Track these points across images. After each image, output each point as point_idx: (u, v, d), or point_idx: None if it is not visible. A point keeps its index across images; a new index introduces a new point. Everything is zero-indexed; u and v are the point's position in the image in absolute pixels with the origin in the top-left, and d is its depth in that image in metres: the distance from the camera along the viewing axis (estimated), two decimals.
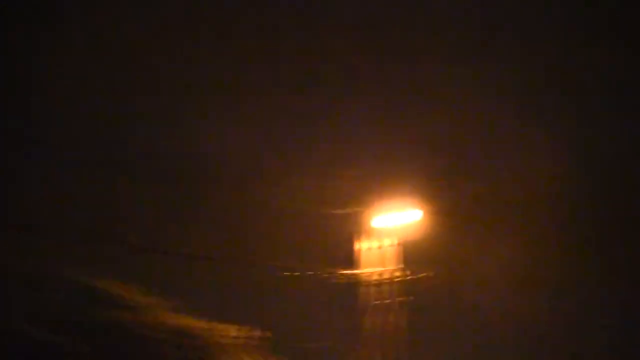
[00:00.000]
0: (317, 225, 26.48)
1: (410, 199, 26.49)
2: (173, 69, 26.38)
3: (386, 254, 26.66)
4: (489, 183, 26.22)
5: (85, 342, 24.42)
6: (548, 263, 25.83)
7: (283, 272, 26.08)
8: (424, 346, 25.80)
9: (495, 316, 26.06)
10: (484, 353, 26.31)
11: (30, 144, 23.91)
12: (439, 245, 25.77)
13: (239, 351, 26.40)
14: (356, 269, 26.83)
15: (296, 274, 25.91)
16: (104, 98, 26.07)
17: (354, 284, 26.72)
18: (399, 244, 26.37)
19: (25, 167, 24.10)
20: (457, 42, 27.74)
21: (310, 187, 26.64)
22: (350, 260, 26.81)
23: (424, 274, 25.92)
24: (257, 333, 25.80)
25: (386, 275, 26.55)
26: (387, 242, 26.67)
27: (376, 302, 26.68)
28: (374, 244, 26.92)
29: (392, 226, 26.75)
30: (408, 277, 26.41)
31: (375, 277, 26.69)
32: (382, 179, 26.85)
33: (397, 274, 26.31)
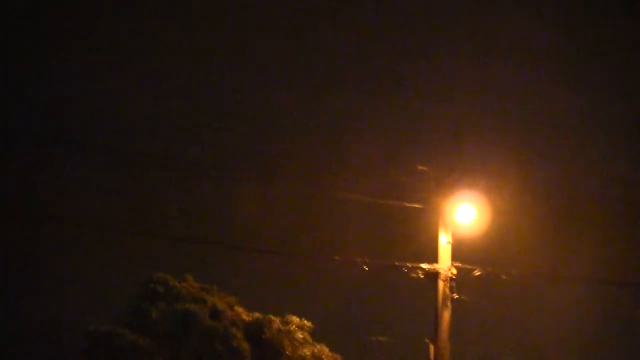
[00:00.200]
0: (396, 219, 26.77)
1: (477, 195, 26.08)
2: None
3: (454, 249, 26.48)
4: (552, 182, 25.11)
5: (149, 335, 26.69)
6: (610, 262, 24.35)
7: (363, 266, 26.65)
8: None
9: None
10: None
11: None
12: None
13: (306, 344, 27.48)
14: (436, 263, 26.80)
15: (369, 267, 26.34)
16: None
17: (433, 278, 26.69)
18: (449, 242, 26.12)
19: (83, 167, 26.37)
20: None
21: (387, 181, 26.91)
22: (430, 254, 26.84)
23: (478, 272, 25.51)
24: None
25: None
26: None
27: (454, 297, 26.57)
28: (450, 238, 26.75)
29: (467, 221, 26.47)
30: (477, 274, 26.09)
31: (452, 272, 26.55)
32: (457, 175, 26.55)
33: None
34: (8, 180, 28.00)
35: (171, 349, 26.85)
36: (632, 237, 24.63)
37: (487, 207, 26.09)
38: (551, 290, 26.25)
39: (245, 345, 26.79)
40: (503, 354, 26.17)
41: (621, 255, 25.16)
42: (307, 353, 26.94)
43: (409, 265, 26.60)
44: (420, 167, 26.67)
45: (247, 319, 27.12)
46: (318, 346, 27.26)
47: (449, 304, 26.49)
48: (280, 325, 27.15)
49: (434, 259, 26.71)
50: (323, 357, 27.05)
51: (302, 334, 27.25)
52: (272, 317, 27.21)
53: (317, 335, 27.48)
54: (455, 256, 26.58)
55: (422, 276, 26.66)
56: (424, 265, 26.64)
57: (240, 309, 27.14)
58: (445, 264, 26.66)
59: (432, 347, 26.22)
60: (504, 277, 26.04)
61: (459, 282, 26.09)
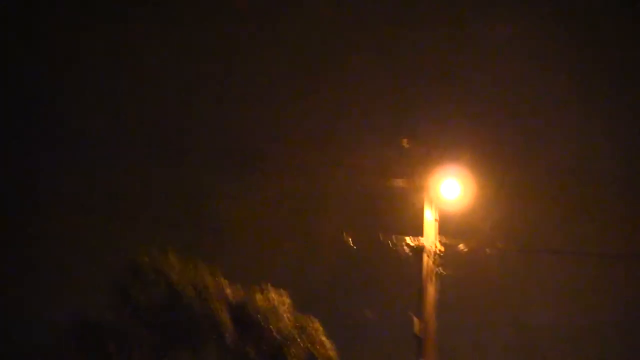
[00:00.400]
0: (383, 196, 26.78)
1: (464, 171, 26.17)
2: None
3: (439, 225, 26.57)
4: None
5: (134, 313, 26.58)
6: (592, 238, 24.46)
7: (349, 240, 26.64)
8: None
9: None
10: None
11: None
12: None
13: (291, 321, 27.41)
14: (422, 237, 26.84)
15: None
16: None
17: (419, 253, 26.74)
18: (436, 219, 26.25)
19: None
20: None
21: (375, 159, 26.92)
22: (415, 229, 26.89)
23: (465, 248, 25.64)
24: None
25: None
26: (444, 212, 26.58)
27: (440, 272, 26.63)
28: (436, 213, 26.82)
29: (452, 197, 26.55)
30: (462, 249, 26.20)
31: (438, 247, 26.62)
32: (443, 151, 26.60)
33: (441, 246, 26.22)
34: None
35: (155, 325, 26.77)
36: (616, 211, 24.73)
37: (472, 182, 26.19)
38: (536, 264, 26.33)
39: (229, 321, 26.72)
40: (488, 328, 26.26)
41: (605, 229, 25.27)
42: (291, 327, 26.97)
43: (394, 239, 26.66)
44: (405, 143, 26.71)
45: (231, 293, 27.01)
46: (305, 318, 27.23)
47: (434, 278, 26.58)
48: (264, 300, 27.09)
49: (419, 234, 26.79)
50: (309, 329, 27.07)
51: (286, 307, 27.20)
52: (256, 291, 27.13)
53: (301, 311, 27.44)
54: (440, 231, 26.67)
55: (407, 250, 26.73)
56: (409, 240, 26.73)
57: (224, 283, 27.00)
58: (430, 239, 26.73)
59: (416, 321, 26.29)
60: (488, 251, 26.14)
61: (444, 257, 26.17)
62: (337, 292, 27.50)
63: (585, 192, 25.50)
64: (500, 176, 25.66)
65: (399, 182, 26.79)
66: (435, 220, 26.82)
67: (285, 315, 26.85)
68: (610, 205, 25.16)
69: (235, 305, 26.84)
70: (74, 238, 26.73)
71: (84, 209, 26.14)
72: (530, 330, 26.46)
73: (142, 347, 26.32)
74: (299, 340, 26.39)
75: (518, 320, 26.31)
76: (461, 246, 26.45)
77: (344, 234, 26.29)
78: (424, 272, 26.58)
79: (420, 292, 26.42)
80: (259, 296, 26.83)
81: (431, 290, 26.52)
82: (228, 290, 26.79)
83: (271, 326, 26.69)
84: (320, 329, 26.98)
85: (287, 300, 27.02)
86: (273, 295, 26.97)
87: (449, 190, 26.71)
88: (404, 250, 26.68)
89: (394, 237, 26.56)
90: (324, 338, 26.88)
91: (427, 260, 26.62)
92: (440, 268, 26.23)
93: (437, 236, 26.54)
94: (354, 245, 26.44)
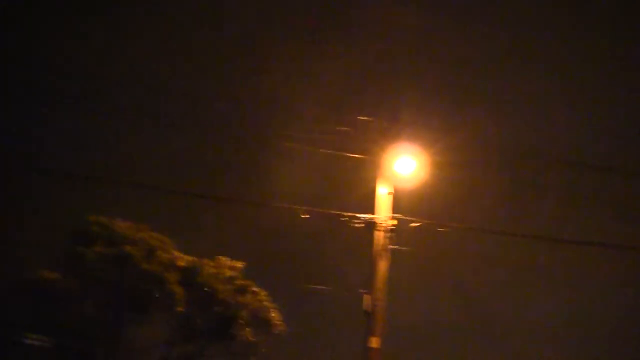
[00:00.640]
0: (336, 169, 26.81)
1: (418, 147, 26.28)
2: None
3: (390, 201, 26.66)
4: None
5: (83, 278, 26.51)
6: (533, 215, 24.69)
7: (301, 215, 26.63)
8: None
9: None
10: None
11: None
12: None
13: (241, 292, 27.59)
14: (374, 214, 26.86)
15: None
16: None
17: (371, 228, 26.77)
18: (390, 193, 26.32)
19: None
20: None
21: (328, 131, 26.88)
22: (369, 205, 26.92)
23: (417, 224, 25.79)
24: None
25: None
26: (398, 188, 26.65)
27: (391, 248, 26.68)
28: (390, 189, 26.84)
29: (407, 173, 26.62)
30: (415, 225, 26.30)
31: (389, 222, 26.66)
32: (399, 127, 26.64)
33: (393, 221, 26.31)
34: None
35: (106, 291, 26.72)
36: (569, 193, 24.93)
37: (426, 159, 26.24)
38: (488, 242, 26.50)
39: (180, 289, 26.75)
40: (439, 304, 26.41)
41: (555, 210, 25.46)
42: (238, 292, 27.23)
43: (347, 215, 26.66)
44: (361, 118, 26.70)
45: (181, 262, 27.08)
46: (252, 285, 27.47)
47: (385, 254, 26.60)
48: (214, 266, 27.27)
49: (373, 209, 26.81)
50: (259, 299, 27.33)
51: (235, 274, 27.43)
52: (206, 260, 27.24)
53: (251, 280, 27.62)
54: (393, 207, 26.71)
55: (360, 226, 26.74)
56: (361, 216, 26.73)
57: (174, 252, 27.08)
58: (383, 215, 26.76)
59: (367, 297, 26.32)
60: (441, 229, 26.25)
61: (396, 232, 26.21)
62: (291, 265, 27.52)
63: (537, 172, 25.66)
64: (454, 154, 25.72)
65: (354, 157, 26.79)
66: (389, 194, 26.80)
67: (233, 282, 27.27)
68: (562, 186, 25.33)
69: (184, 270, 27.01)
70: (27, 199, 26.58)
71: (38, 171, 25.92)
72: (480, 305, 26.65)
73: (88, 304, 26.40)
74: (246, 303, 26.91)
75: (468, 295, 26.47)
76: (414, 223, 26.51)
77: (297, 208, 26.25)
78: (376, 247, 26.62)
79: (372, 268, 26.47)
80: (208, 262, 27.15)
81: (382, 266, 26.53)
82: (176, 254, 26.93)
83: (219, 290, 27.01)
84: (265, 295, 27.51)
85: (238, 266, 27.35)
86: (223, 262, 27.32)
87: (404, 167, 26.75)
88: (356, 225, 26.69)
89: (347, 213, 26.58)
90: (268, 303, 27.40)
91: (378, 236, 26.64)
92: (391, 244, 26.23)
93: (390, 212, 26.55)
94: (307, 217, 26.41)
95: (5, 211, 27.33)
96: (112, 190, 26.04)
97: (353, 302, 26.21)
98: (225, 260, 27.42)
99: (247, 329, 27.57)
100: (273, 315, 27.65)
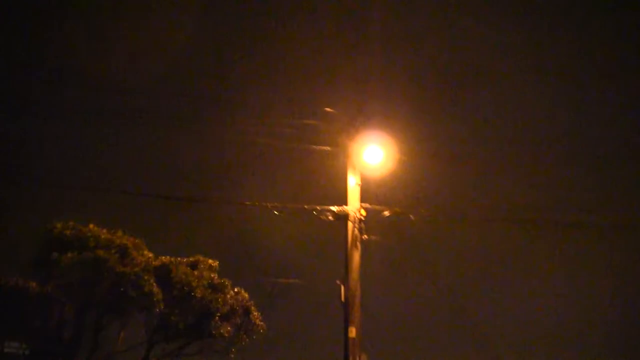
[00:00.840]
0: (306, 161, 26.84)
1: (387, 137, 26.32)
2: None
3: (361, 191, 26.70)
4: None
5: (58, 283, 26.48)
6: (515, 201, 24.75)
7: (272, 210, 26.65)
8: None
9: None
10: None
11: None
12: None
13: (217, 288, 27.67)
14: (345, 205, 26.90)
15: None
16: None
17: (343, 220, 26.80)
18: (358, 184, 26.37)
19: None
20: None
21: (298, 124, 26.90)
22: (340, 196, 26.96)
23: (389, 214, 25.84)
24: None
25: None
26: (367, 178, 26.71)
27: (364, 238, 26.74)
28: (358, 181, 26.88)
29: (375, 163, 26.66)
30: (386, 215, 26.35)
31: (362, 213, 26.69)
32: (364, 117, 26.67)
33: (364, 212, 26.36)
34: None
35: (82, 296, 26.72)
36: (537, 176, 25.01)
37: (394, 148, 26.28)
38: (458, 230, 26.57)
39: (157, 290, 26.75)
40: (411, 293, 26.49)
41: (525, 195, 25.55)
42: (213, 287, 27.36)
43: (319, 208, 26.70)
44: (327, 109, 26.72)
45: (156, 262, 27.12)
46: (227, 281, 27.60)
47: (358, 245, 26.66)
48: (189, 263, 27.40)
49: (343, 200, 26.86)
50: (237, 296, 27.48)
51: (212, 274, 27.52)
52: (180, 259, 27.30)
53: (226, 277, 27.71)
54: (363, 197, 26.75)
55: (331, 218, 26.78)
56: (333, 208, 26.76)
57: (149, 253, 27.11)
58: (354, 206, 26.80)
59: (343, 288, 26.41)
60: (412, 217, 26.30)
61: (367, 223, 26.28)
62: (266, 259, 27.58)
63: (504, 157, 25.75)
64: (422, 143, 25.78)
65: (323, 149, 26.82)
66: (358, 184, 26.85)
67: (210, 280, 27.39)
68: (531, 169, 25.42)
69: (159, 269, 27.07)
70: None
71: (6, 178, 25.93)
72: (452, 293, 26.73)
73: (66, 309, 26.44)
74: (224, 301, 27.05)
75: (441, 283, 26.54)
76: (385, 212, 26.56)
77: (268, 204, 26.28)
78: (349, 239, 26.67)
79: (346, 259, 26.54)
80: (182, 261, 27.27)
81: (356, 257, 26.60)
82: (153, 260, 26.94)
83: (196, 288, 27.12)
84: (244, 293, 27.62)
85: (214, 265, 27.47)
86: (199, 260, 27.45)
87: (372, 156, 26.78)
88: (328, 218, 26.74)
89: (318, 206, 26.62)
90: (247, 302, 27.58)
91: (351, 227, 26.70)
92: (364, 235, 26.30)
93: (360, 202, 26.61)
94: (278, 213, 26.44)
95: None
96: (81, 194, 25.96)
97: (332, 294, 26.28)
98: (202, 258, 27.53)
99: (226, 326, 27.70)
100: (255, 314, 27.85)
